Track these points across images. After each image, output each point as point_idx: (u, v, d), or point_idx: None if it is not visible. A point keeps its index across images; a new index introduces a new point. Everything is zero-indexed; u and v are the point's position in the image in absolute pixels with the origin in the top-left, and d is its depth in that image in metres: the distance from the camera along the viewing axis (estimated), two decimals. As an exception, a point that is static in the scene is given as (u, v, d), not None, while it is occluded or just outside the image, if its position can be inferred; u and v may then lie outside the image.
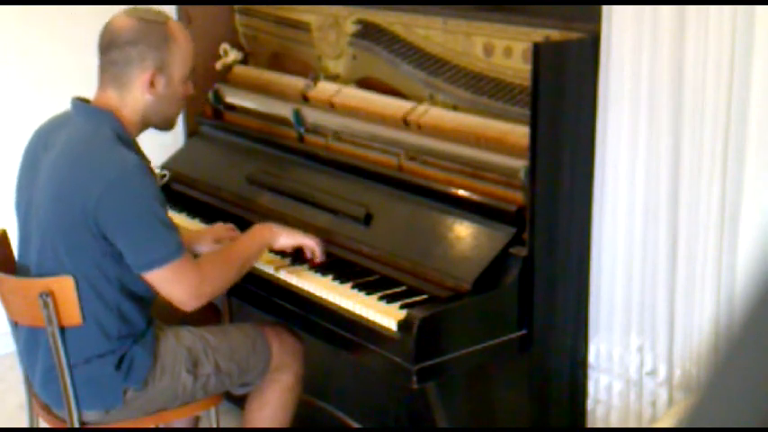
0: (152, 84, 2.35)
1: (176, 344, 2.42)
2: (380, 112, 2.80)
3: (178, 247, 2.25)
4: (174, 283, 2.26)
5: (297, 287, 2.47)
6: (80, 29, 3.88)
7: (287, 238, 2.53)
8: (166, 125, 2.48)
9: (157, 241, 2.23)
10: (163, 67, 2.35)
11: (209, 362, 2.43)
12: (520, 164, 2.37)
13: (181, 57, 2.39)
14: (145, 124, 2.42)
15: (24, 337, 2.40)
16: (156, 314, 2.53)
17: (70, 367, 2.28)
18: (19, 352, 2.47)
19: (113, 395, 2.32)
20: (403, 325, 2.17)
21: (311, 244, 2.56)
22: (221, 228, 2.75)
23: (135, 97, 2.36)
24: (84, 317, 2.27)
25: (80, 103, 2.40)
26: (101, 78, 2.39)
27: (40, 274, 2.31)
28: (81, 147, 2.30)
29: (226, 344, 2.48)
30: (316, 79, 3.05)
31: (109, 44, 2.37)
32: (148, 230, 2.23)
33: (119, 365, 2.31)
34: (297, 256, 2.59)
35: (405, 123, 2.73)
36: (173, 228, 2.28)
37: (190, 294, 2.28)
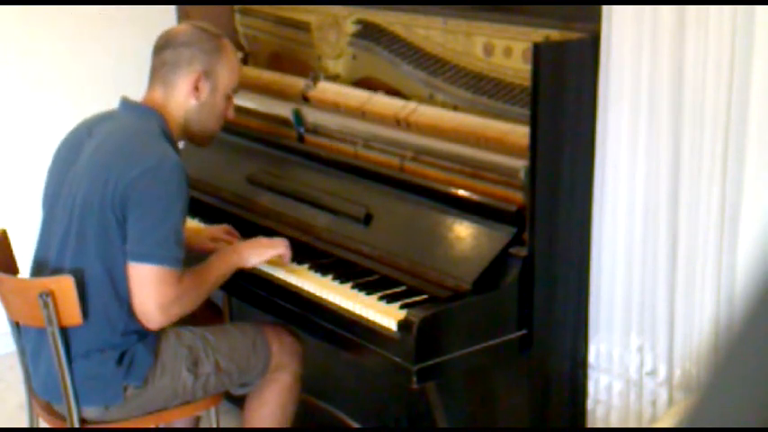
0: (197, 88, 2.42)
1: (177, 343, 2.42)
2: (380, 113, 2.80)
3: (176, 258, 2.26)
4: (150, 287, 2.25)
5: (297, 287, 2.47)
6: (81, 29, 3.89)
7: (256, 258, 2.51)
8: (203, 138, 2.53)
9: (162, 239, 2.24)
10: (210, 73, 2.43)
11: (209, 361, 2.43)
12: (520, 164, 2.37)
13: (229, 70, 2.47)
14: (185, 131, 2.47)
15: (33, 336, 2.40)
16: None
17: (70, 364, 2.29)
18: (21, 351, 2.47)
19: (113, 391, 2.32)
20: (403, 325, 2.17)
21: (281, 251, 2.53)
22: (219, 229, 2.76)
23: (179, 100, 2.43)
24: (95, 308, 2.28)
25: (127, 101, 2.46)
26: (151, 79, 2.47)
27: (59, 266, 2.32)
28: (126, 135, 2.35)
29: (226, 343, 2.48)
30: (316, 79, 3.05)
31: (164, 45, 2.45)
32: (160, 224, 2.24)
33: (120, 361, 2.32)
34: (297, 256, 2.59)
35: (405, 123, 2.73)
36: (181, 241, 2.29)
37: (160, 306, 2.26)
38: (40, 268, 2.40)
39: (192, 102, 2.43)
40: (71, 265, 2.30)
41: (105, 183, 2.25)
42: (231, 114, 2.55)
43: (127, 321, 2.31)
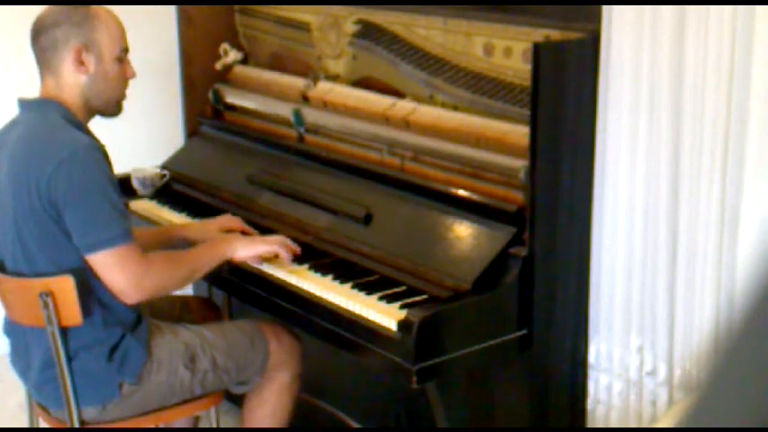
0: (81, 62, 2.36)
1: (173, 339, 2.42)
2: (380, 112, 2.80)
3: (125, 233, 2.24)
4: (115, 270, 2.23)
5: (297, 287, 2.47)
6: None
7: (246, 251, 2.49)
8: (111, 108, 2.46)
9: (104, 223, 2.22)
10: (89, 44, 2.36)
11: (206, 357, 2.43)
12: (520, 164, 2.37)
13: (107, 34, 2.39)
14: (89, 108, 2.41)
15: (19, 342, 2.40)
16: (154, 313, 2.53)
17: (70, 365, 2.28)
18: (12, 360, 2.47)
19: (108, 388, 2.32)
20: (403, 325, 2.17)
21: (276, 249, 2.52)
22: (228, 219, 2.74)
23: (69, 81, 2.37)
24: None
25: (23, 100, 2.42)
26: (39, 70, 2.41)
27: (17, 268, 2.31)
28: (31, 135, 2.31)
29: (223, 340, 2.48)
30: (316, 79, 3.05)
31: (36, 33, 2.39)
32: (97, 210, 2.22)
33: (111, 357, 2.31)
34: (297, 256, 2.59)
35: (405, 123, 2.73)
36: (123, 213, 2.27)
37: (130, 284, 2.24)
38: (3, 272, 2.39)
39: (83, 77, 2.37)
40: (28, 269, 2.29)
41: (28, 190, 2.23)
42: (131, 73, 2.47)
43: (101, 313, 2.29)
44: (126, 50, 2.45)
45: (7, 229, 2.30)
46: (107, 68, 2.39)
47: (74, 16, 2.36)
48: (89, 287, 2.27)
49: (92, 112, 2.43)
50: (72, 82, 2.36)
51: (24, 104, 2.41)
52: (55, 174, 2.19)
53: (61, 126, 2.30)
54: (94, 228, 2.22)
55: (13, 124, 2.40)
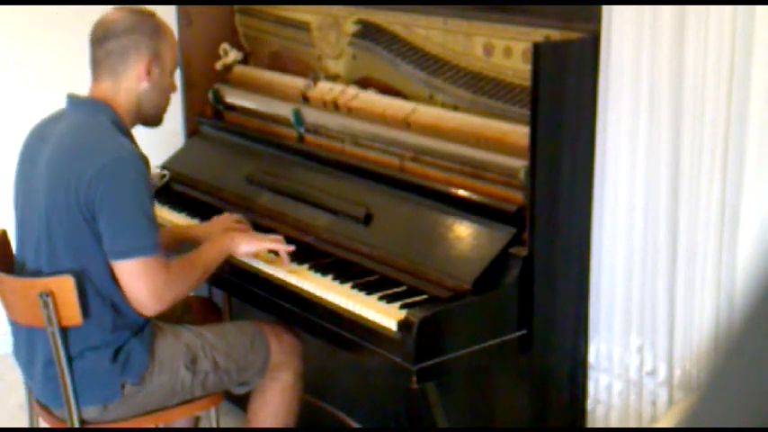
0: (148, 72, 2.40)
1: (174, 340, 2.42)
2: (380, 112, 2.80)
3: (154, 246, 2.26)
4: (140, 280, 2.25)
5: (297, 287, 2.47)
6: (81, 29, 3.89)
7: (247, 246, 2.52)
8: (156, 118, 2.51)
9: (136, 232, 2.24)
10: (158, 56, 2.42)
11: (207, 358, 2.43)
12: (520, 164, 2.37)
13: (171, 48, 2.46)
14: (138, 114, 2.44)
15: (23, 337, 2.40)
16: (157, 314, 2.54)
17: (70, 364, 2.28)
18: (16, 353, 2.47)
19: (111, 388, 2.32)
20: (403, 325, 2.17)
21: (275, 246, 2.55)
22: (228, 219, 2.75)
23: (129, 86, 2.40)
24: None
25: (74, 98, 2.43)
26: (95, 71, 2.43)
27: (37, 268, 2.32)
28: (78, 134, 2.33)
29: (224, 341, 2.48)
30: (316, 79, 3.05)
31: (103, 36, 2.41)
32: (131, 218, 2.24)
33: (115, 358, 2.31)
34: (297, 256, 2.59)
35: (405, 123, 2.73)
36: (155, 225, 2.29)
37: (153, 295, 2.26)
38: (20, 272, 2.40)
39: (145, 85, 2.41)
40: (48, 268, 2.30)
41: (66, 186, 2.24)
42: (174, 88, 2.53)
43: (113, 317, 2.30)
44: (177, 65, 2.53)
45: (36, 223, 2.32)
46: (165, 81, 2.46)
47: (145, 27, 2.42)
48: (104, 291, 2.28)
49: (138, 119, 2.47)
50: (132, 88, 2.41)
51: (74, 102, 2.43)
52: (96, 177, 2.21)
53: (109, 130, 2.33)
54: (125, 235, 2.24)
55: (58, 119, 2.42)
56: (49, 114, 2.47)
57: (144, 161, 2.31)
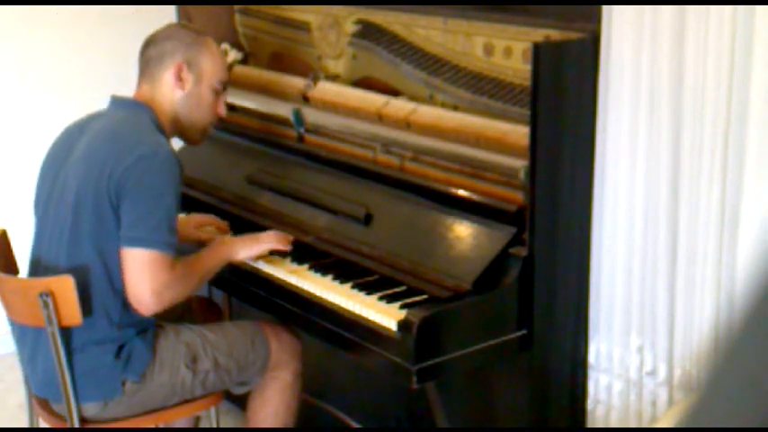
0: (180, 78, 2.45)
1: (175, 339, 2.43)
2: (380, 112, 2.80)
3: (168, 244, 2.27)
4: (145, 272, 2.25)
5: (297, 287, 2.47)
6: (81, 29, 3.89)
7: (245, 252, 2.53)
8: (194, 134, 2.55)
9: (154, 225, 2.25)
10: (192, 63, 2.47)
11: (207, 358, 2.44)
12: (520, 164, 2.37)
13: (211, 61, 2.50)
14: (176, 124, 2.49)
15: (31, 335, 2.40)
16: (158, 313, 2.54)
17: (70, 362, 2.29)
18: (20, 349, 2.48)
19: (111, 385, 2.33)
20: (403, 325, 2.17)
21: (271, 246, 2.55)
22: (202, 216, 2.78)
23: (165, 92, 2.46)
24: (92, 301, 2.29)
25: (117, 98, 2.49)
26: (139, 78, 2.51)
27: (54, 263, 2.33)
28: (119, 126, 2.38)
29: (224, 340, 2.49)
30: (316, 79, 3.05)
31: (147, 44, 2.51)
32: (152, 211, 2.25)
33: (118, 355, 2.32)
34: (297, 256, 2.59)
35: (405, 123, 2.73)
36: (174, 229, 2.30)
37: (153, 291, 2.26)
38: (35, 268, 2.41)
39: (178, 92, 2.46)
40: (67, 259, 2.31)
41: (101, 171, 2.27)
42: (222, 111, 2.57)
43: (122, 313, 2.32)
44: (224, 86, 2.56)
45: (62, 211, 2.33)
46: (202, 92, 2.49)
47: (185, 36, 2.50)
48: (117, 284, 2.29)
49: (176, 129, 2.51)
50: (167, 93, 2.46)
51: (117, 102, 2.48)
52: (132, 166, 2.25)
53: (149, 128, 2.38)
54: (144, 225, 2.25)
55: (99, 115, 2.47)
56: (91, 113, 2.51)
57: (180, 166, 2.33)
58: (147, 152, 2.27)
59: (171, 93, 2.46)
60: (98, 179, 2.27)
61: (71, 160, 2.36)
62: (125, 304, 2.31)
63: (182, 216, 2.83)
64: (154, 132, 2.37)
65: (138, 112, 2.42)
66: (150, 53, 2.48)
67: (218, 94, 2.54)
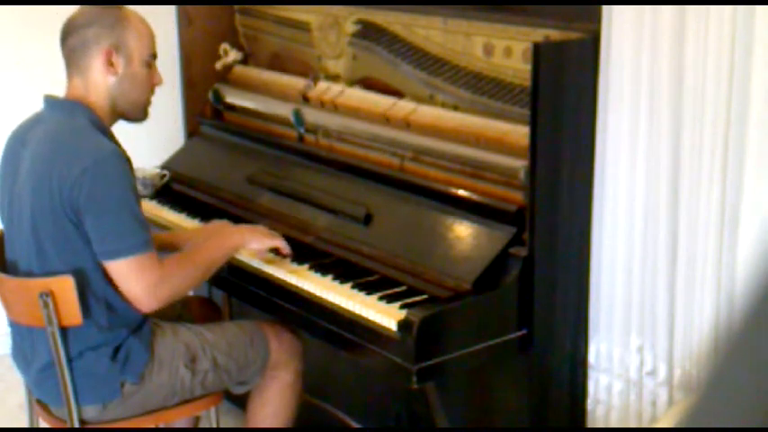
0: (110, 63, 2.37)
1: (174, 339, 2.42)
2: (380, 112, 2.80)
3: (144, 243, 2.25)
4: (132, 279, 2.24)
5: (297, 287, 2.47)
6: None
7: (257, 243, 2.52)
8: (137, 113, 2.46)
9: (125, 231, 2.23)
10: (119, 45, 2.37)
11: (206, 357, 2.43)
12: (520, 164, 2.37)
13: (137, 37, 2.40)
14: (115, 110, 2.41)
15: (23, 336, 2.40)
16: (155, 312, 2.54)
17: (70, 365, 2.28)
18: (14, 353, 2.47)
19: (110, 387, 2.32)
20: (403, 325, 2.17)
21: (279, 244, 2.56)
22: (220, 223, 2.75)
23: (97, 81, 2.38)
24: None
25: (51, 99, 2.42)
26: (67, 71, 2.42)
27: (28, 271, 2.32)
28: (58, 137, 2.31)
29: (223, 340, 2.48)
30: (316, 79, 3.05)
31: (66, 33, 2.41)
32: (118, 219, 2.23)
33: (114, 356, 2.31)
34: (297, 256, 2.59)
35: (405, 123, 2.73)
36: (143, 223, 2.28)
37: (147, 293, 2.25)
38: (15, 272, 2.38)
39: (111, 78, 2.38)
40: (39, 271, 2.29)
41: (50, 191, 2.23)
42: (159, 80, 2.48)
43: (109, 316, 2.30)
44: (154, 56, 2.47)
45: (23, 227, 2.31)
46: (135, 71, 2.40)
47: (105, 18, 2.38)
48: (98, 290, 2.27)
49: (117, 115, 2.43)
50: (100, 82, 2.38)
51: (51, 103, 2.42)
52: (78, 180, 2.20)
53: (88, 131, 2.31)
54: (114, 236, 2.23)
55: (36, 121, 2.40)
56: (28, 117, 2.45)
57: (125, 159, 2.29)
58: (88, 163, 2.20)
59: (104, 80, 2.37)
60: (50, 200, 2.23)
61: (20, 178, 2.32)
62: (110, 306, 2.30)
63: (197, 226, 2.80)
64: (92, 135, 2.30)
65: (73, 114, 2.34)
66: (73, 42, 2.39)
67: (150, 66, 2.44)
